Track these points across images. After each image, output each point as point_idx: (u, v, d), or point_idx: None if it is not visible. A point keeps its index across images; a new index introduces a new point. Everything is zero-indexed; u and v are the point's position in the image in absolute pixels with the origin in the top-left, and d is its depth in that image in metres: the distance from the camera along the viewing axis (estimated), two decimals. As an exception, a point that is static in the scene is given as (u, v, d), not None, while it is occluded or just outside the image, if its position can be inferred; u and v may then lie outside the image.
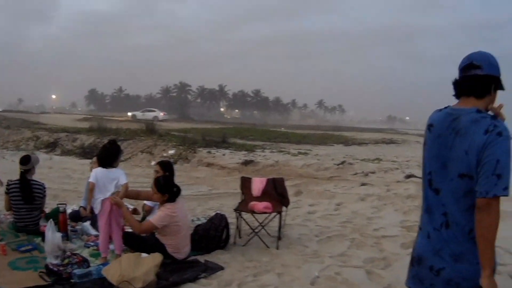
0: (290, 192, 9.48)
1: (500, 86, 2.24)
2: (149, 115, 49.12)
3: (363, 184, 10.03)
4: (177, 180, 5.54)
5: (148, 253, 4.54)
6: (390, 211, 7.42)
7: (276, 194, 6.32)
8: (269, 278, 4.48)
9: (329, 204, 8.46)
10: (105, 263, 4.57)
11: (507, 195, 2.02)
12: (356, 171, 11.74)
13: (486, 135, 2.06)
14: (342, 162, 12.92)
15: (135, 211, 6.05)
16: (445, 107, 2.33)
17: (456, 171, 2.17)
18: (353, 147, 23.90)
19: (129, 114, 54.85)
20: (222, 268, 4.69)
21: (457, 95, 2.30)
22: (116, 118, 43.82)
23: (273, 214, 5.86)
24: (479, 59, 2.23)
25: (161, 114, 52.31)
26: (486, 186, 2.02)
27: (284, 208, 6.16)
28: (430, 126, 2.34)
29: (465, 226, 2.17)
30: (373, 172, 11.26)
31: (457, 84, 2.30)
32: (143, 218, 5.76)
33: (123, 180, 4.75)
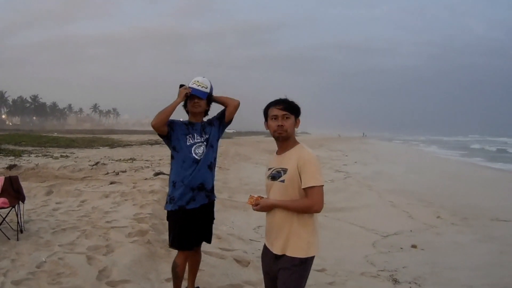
0: (42, 192, 9.76)
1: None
2: None
3: (112, 183, 10.61)
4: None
5: None
6: (128, 205, 8.14)
7: (13, 190, 6.64)
8: (4, 263, 5.01)
9: (74, 201, 8.85)
10: None
11: None
12: (108, 171, 12.28)
13: None
14: (96, 163, 13.30)
15: None
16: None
17: None
18: (116, 149, 24.30)
19: None
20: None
21: None
22: None
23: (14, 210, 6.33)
24: None
25: None
26: None
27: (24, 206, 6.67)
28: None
29: None
30: (124, 171, 11.92)
31: None
32: None
33: None
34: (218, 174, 13.56)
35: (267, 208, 3.02)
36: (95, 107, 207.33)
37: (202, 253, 5.41)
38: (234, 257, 5.75)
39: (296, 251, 2.95)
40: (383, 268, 5.89)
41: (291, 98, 3.12)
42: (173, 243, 4.17)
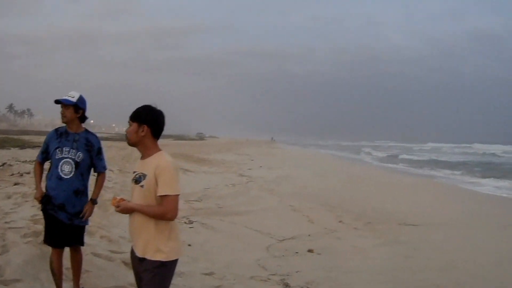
0: None
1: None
2: None
3: (15, 184, 10.70)
4: None
5: None
6: (28, 207, 8.14)
7: None
8: None
9: (-23, 202, 8.66)
10: None
11: None
12: (13, 172, 12.21)
13: None
14: (3, 164, 13.25)
15: None
16: None
17: None
18: (26, 150, 23.88)
19: None
20: None
21: None
22: None
23: None
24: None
25: None
26: None
27: None
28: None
29: None
30: (28, 173, 11.94)
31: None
32: None
33: None
34: (117, 177, 13.76)
35: (127, 211, 3.07)
36: (10, 107, 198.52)
37: (91, 255, 5.67)
38: (123, 259, 5.74)
39: (155, 255, 3.02)
40: (274, 272, 5.85)
41: (155, 103, 3.15)
42: (45, 240, 4.41)
